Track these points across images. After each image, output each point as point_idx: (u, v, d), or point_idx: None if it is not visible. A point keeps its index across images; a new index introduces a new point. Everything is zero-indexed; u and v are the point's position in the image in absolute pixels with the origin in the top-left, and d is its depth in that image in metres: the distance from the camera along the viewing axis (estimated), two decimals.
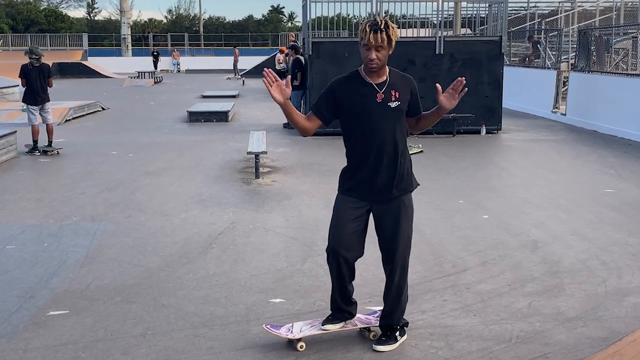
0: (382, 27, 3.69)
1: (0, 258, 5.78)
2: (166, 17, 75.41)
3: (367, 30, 3.70)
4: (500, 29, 13.88)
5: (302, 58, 14.69)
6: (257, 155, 9.32)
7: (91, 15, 76.40)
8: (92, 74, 36.96)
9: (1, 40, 41.48)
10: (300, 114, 3.95)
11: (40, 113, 11.44)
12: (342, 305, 4.08)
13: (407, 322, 4.16)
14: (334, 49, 13.43)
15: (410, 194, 3.99)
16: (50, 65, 12.05)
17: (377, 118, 3.82)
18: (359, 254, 3.99)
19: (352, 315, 4.14)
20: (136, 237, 6.44)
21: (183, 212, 7.38)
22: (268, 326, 4.08)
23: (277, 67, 26.52)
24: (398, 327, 4.07)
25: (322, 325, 4.08)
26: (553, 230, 6.60)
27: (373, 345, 4.01)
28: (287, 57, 21.26)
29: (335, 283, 4.01)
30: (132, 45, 51.31)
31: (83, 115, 17.58)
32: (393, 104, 3.84)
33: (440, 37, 13.52)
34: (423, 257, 5.73)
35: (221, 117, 16.39)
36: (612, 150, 11.52)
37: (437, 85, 3.97)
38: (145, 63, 40.56)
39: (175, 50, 47.73)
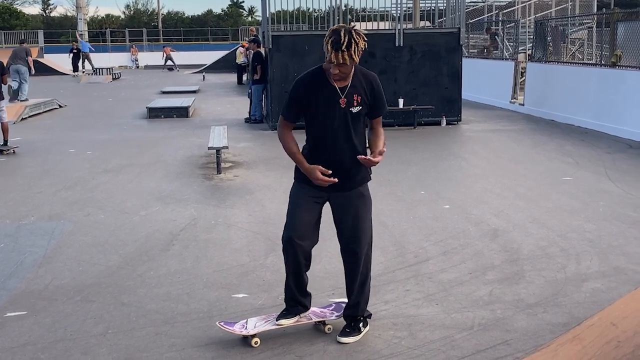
0: (344, 46, 3.56)
1: None
2: (124, 13, 74.33)
3: (330, 48, 3.59)
4: (458, 21, 14.00)
5: (262, 51, 14.62)
6: (218, 150, 9.24)
7: (47, 11, 74.90)
8: (49, 71, 36.14)
9: None
10: (296, 147, 3.93)
11: None
12: (298, 296, 4.04)
13: (370, 314, 4.18)
14: (293, 42, 13.39)
15: (366, 184, 4.01)
16: (5, 64, 11.77)
17: (338, 123, 3.82)
18: (315, 241, 4.00)
19: (306, 308, 4.11)
20: (95, 236, 6.33)
21: (143, 210, 7.28)
22: (222, 323, 4.04)
23: (238, 61, 26.41)
24: (362, 318, 4.08)
25: (277, 320, 4.03)
26: (513, 218, 6.69)
27: (337, 337, 4.01)
28: (247, 52, 21.14)
29: (292, 272, 3.98)
30: (90, 42, 50.40)
31: (40, 113, 17.22)
32: (355, 109, 3.82)
33: (399, 29, 13.58)
34: (385, 248, 5.75)
35: (181, 112, 16.21)
36: (569, 139, 11.72)
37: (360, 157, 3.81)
38: (103, 59, 39.86)
39: (134, 46, 47.07)
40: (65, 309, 4.58)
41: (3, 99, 11.29)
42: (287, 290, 4.06)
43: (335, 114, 3.80)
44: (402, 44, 13.50)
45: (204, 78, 31.11)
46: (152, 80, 31.28)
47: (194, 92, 22.88)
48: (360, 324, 4.06)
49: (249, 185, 8.45)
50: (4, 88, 11.38)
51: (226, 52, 37.62)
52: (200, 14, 75.07)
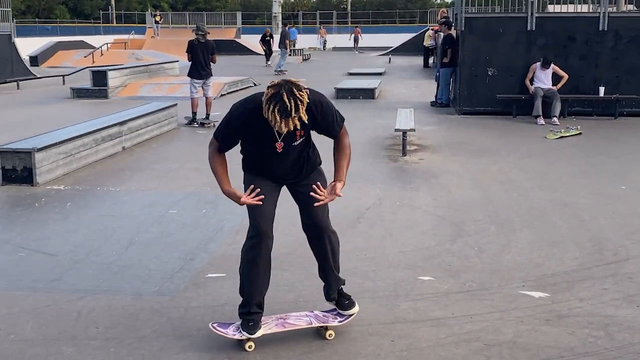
0: (292, 113, 3.27)
1: (164, 222, 6.16)
2: None
3: (277, 117, 3.27)
4: None
5: (453, 33, 14.37)
6: (404, 132, 9.26)
7: None
8: (245, 51, 38.24)
9: (162, 19, 43.91)
10: (222, 170, 3.75)
11: (202, 87, 12.03)
12: (263, 300, 3.78)
13: (344, 280, 4.04)
14: (487, 24, 12.99)
15: (318, 168, 3.86)
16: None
17: (278, 158, 3.63)
18: None
19: (263, 311, 3.84)
20: (287, 208, 6.50)
21: None
22: (215, 325, 3.81)
23: (426, 43, 26.21)
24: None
25: (251, 334, 3.70)
26: None
27: (340, 311, 3.93)
28: (436, 34, 20.88)
29: (262, 274, 3.73)
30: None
31: (236, 91, 18.25)
32: (297, 142, 3.60)
33: (604, 12, 12.67)
34: (581, 244, 5.44)
35: (368, 94, 16.43)
36: None
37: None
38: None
39: (322, 27, 48.34)
40: None
41: (211, 75, 12.15)
42: (256, 296, 3.73)
43: (273, 154, 3.60)
44: (606, 28, 12.59)
45: (389, 60, 31.23)
46: (339, 61, 31.93)
47: (380, 74, 23.05)
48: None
49: (434, 169, 8.37)
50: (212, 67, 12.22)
51: (413, 34, 37.46)
52: None
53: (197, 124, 11.94)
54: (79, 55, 30.34)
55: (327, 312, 3.99)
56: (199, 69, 11.87)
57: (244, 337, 3.70)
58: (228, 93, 17.52)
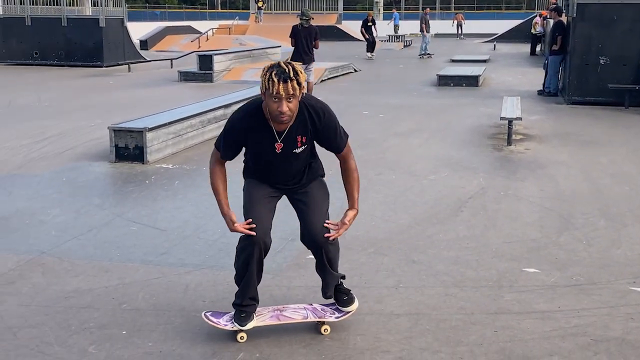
0: (291, 75, 3.22)
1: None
2: None
3: (275, 80, 3.20)
4: None
5: (564, 21, 13.82)
6: (510, 121, 9.01)
7: None
8: (345, 37, 38.30)
9: (265, 5, 44.58)
10: (222, 187, 3.61)
11: (304, 71, 12.18)
12: (256, 293, 3.68)
13: (344, 275, 3.93)
14: (601, 11, 12.40)
15: (319, 178, 3.79)
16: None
17: (278, 163, 3.54)
18: None
19: (258, 303, 3.73)
20: (387, 194, 6.60)
21: (432, 174, 7.40)
22: (207, 314, 3.75)
23: (533, 31, 25.36)
24: (340, 287, 3.86)
25: (242, 326, 3.62)
26: None
27: (339, 307, 3.81)
28: (544, 21, 20.17)
29: (256, 272, 3.61)
30: (384, 10, 52.17)
31: (337, 76, 18.34)
32: (298, 150, 3.50)
33: None
34: None
35: (471, 81, 16.09)
36: None
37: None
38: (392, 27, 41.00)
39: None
40: (359, 258, 4.86)
41: (314, 61, 12.30)
42: (249, 290, 3.64)
43: (275, 157, 3.51)
44: None
45: (494, 47, 30.44)
46: (442, 48, 31.39)
47: (484, 61, 22.51)
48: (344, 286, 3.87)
49: (541, 159, 8.11)
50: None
51: (520, 21, 36.34)
52: None
53: None
54: (185, 40, 31.33)
55: (326, 306, 3.88)
56: (302, 54, 12.01)
57: (235, 328, 3.64)
58: (329, 78, 17.63)
